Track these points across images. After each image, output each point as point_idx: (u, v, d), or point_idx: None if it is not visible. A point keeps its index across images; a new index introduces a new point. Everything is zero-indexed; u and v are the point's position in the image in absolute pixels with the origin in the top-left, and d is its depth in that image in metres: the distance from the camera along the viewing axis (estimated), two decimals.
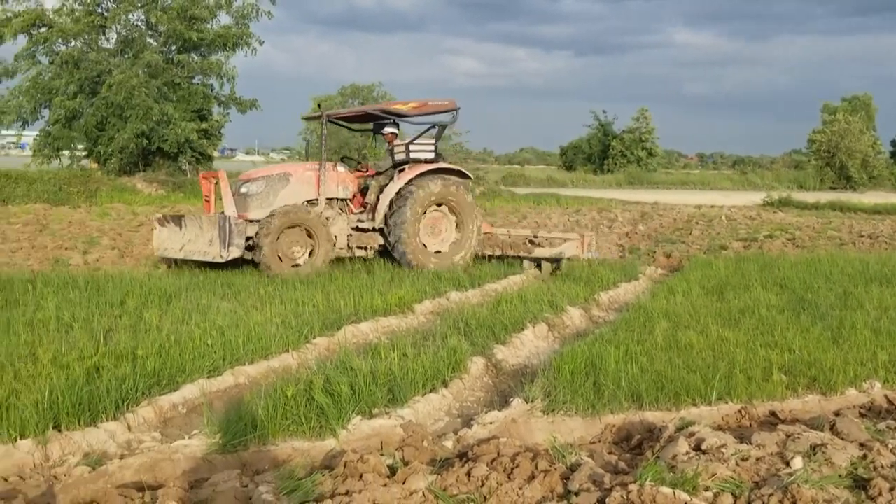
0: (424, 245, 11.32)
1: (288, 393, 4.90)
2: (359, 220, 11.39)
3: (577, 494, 3.53)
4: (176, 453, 4.20)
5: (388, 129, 12.11)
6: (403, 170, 11.45)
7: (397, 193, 11.25)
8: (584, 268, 11.00)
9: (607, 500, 3.41)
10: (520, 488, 3.59)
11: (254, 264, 10.31)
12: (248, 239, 10.37)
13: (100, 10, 25.07)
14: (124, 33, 25.47)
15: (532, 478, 3.70)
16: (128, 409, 4.86)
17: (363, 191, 11.73)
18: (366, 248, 11.32)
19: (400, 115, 12.10)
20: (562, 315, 8.12)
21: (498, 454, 3.98)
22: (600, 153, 60.87)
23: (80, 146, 27.19)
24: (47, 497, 3.71)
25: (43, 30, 24.28)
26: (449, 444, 4.46)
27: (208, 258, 10.10)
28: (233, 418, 4.63)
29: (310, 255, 10.58)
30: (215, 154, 29.52)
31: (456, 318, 7.73)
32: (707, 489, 3.51)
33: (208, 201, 11.08)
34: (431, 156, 11.84)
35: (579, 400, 5.11)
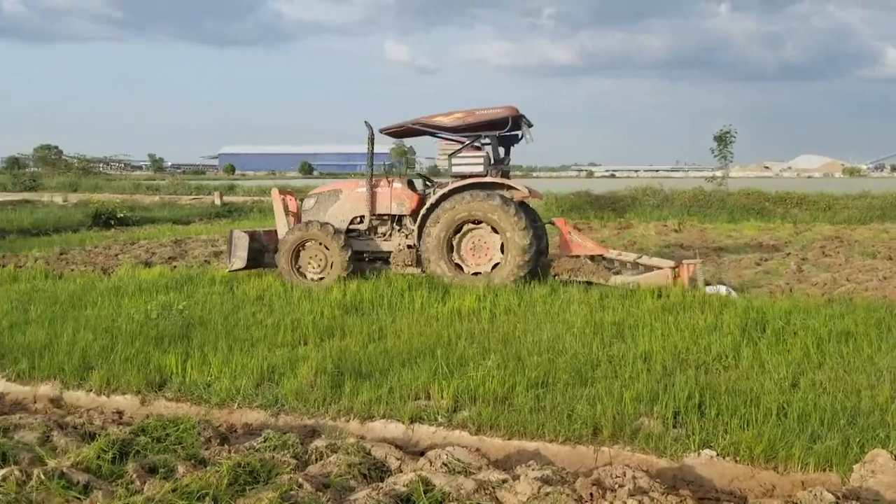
0: (459, 266, 10.59)
1: None
2: (409, 238, 11.03)
3: None
4: None
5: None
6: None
7: (427, 210, 10.61)
8: None
9: None
10: None
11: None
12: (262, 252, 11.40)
13: None
14: None
15: None
16: None
17: None
18: (413, 266, 10.87)
19: (441, 129, 11.22)
20: None
21: None
22: None
23: None
24: None
25: None
26: None
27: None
28: None
29: (324, 269, 10.75)
30: None
31: None
32: None
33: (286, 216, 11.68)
34: (479, 169, 10.85)
35: None
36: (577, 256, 10.81)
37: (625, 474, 4.00)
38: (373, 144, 11.18)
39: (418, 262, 10.83)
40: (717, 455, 4.59)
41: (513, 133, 11.29)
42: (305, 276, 10.82)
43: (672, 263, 10.31)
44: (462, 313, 8.43)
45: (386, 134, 11.58)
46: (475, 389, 5.67)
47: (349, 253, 10.71)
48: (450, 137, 11.65)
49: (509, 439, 5.00)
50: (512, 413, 5.25)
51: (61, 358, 6.77)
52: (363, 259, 11.25)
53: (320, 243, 10.78)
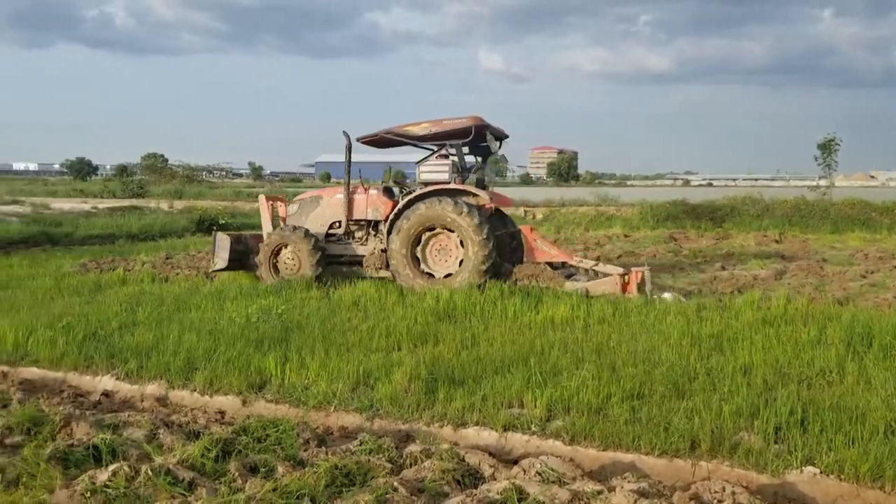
0: (427, 272, 10.97)
1: None
2: (383, 242, 11.45)
3: None
4: None
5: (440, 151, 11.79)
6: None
7: (394, 217, 11.07)
8: None
9: None
10: None
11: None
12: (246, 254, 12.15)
13: None
14: None
15: None
16: None
17: None
18: (384, 269, 11.34)
19: (410, 138, 11.56)
20: None
21: None
22: None
23: None
24: None
25: None
26: None
27: None
28: None
29: (297, 271, 11.44)
30: None
31: None
32: None
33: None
34: (444, 177, 11.31)
35: None
36: (541, 263, 11.23)
37: (724, 489, 3.91)
38: (350, 153, 11.68)
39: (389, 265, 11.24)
40: (821, 472, 4.44)
41: (486, 143, 11.62)
42: (284, 278, 11.36)
43: (621, 271, 10.62)
44: (555, 322, 8.40)
45: (362, 143, 12.03)
46: (569, 399, 5.64)
47: (318, 256, 11.36)
48: (419, 146, 12.07)
49: (604, 450, 4.95)
50: (607, 424, 5.20)
51: (167, 358, 7.07)
52: (342, 262, 11.89)
53: (295, 246, 11.43)
